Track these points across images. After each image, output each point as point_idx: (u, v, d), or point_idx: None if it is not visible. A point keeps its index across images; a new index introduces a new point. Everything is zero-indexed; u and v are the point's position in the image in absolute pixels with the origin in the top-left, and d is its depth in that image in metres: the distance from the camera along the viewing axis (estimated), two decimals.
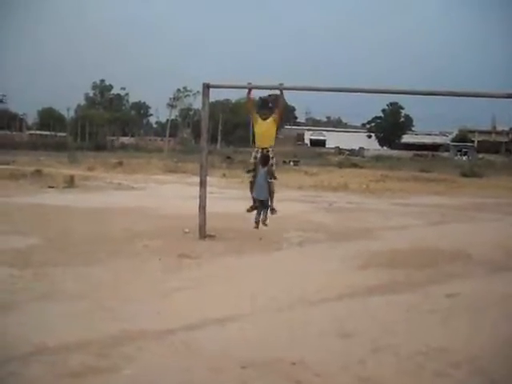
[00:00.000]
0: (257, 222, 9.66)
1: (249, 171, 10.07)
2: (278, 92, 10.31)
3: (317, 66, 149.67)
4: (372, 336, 5.00)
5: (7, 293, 6.01)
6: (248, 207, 9.87)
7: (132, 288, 6.39)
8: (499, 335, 5.19)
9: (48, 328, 4.95)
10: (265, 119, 9.78)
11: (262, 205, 9.64)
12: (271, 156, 9.77)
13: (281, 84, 10.18)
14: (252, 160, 9.89)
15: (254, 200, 9.76)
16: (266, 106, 10.12)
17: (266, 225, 9.58)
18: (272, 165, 9.75)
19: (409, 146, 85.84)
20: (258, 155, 9.74)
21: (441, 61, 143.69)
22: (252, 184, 9.85)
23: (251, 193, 9.89)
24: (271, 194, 9.87)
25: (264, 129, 9.77)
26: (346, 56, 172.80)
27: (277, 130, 10.37)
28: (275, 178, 9.94)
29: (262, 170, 9.57)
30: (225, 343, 4.73)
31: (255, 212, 9.76)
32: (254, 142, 10.18)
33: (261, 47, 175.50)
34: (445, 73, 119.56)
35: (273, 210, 9.99)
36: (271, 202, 9.94)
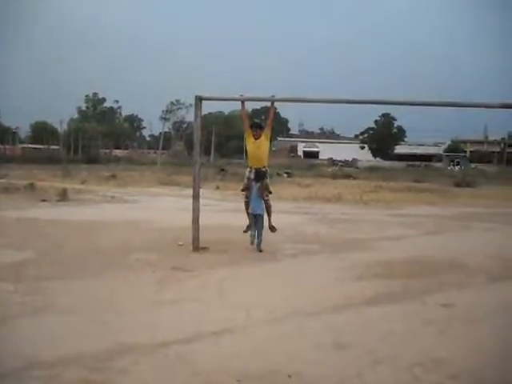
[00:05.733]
0: (252, 242, 9.56)
1: (243, 189, 10.07)
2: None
3: (311, 78, 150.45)
4: (369, 347, 4.96)
5: (0, 307, 5.95)
6: (244, 228, 9.86)
7: (126, 301, 6.34)
8: (497, 346, 5.17)
9: (42, 342, 4.89)
10: (257, 139, 9.80)
11: (256, 221, 9.56)
12: (265, 172, 9.79)
13: (272, 96, 10.24)
14: (245, 180, 9.91)
15: (250, 219, 9.71)
16: (258, 125, 10.10)
17: (260, 250, 9.43)
18: (267, 179, 9.76)
19: (402, 157, 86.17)
20: (252, 176, 9.76)
21: (436, 77, 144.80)
22: (247, 204, 9.86)
23: (247, 211, 9.87)
24: (268, 210, 9.85)
25: (256, 149, 9.79)
26: (341, 70, 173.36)
27: (270, 143, 10.39)
28: (270, 193, 9.94)
29: (255, 186, 9.57)
30: (220, 356, 4.68)
31: (250, 231, 9.70)
32: (247, 157, 10.19)
33: (256, 59, 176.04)
34: (439, 86, 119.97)
35: (272, 228, 9.96)
36: (269, 218, 9.92)
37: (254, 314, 5.88)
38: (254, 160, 9.87)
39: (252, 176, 9.75)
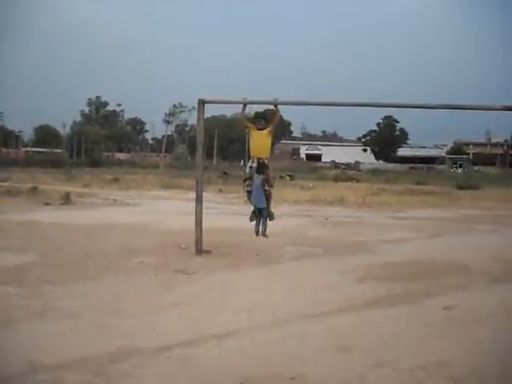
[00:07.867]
0: (256, 231, 9.64)
1: (245, 179, 10.03)
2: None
3: (313, 81, 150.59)
4: (371, 350, 4.96)
5: (3, 311, 5.96)
6: (250, 215, 9.84)
7: (128, 304, 6.35)
8: (499, 347, 5.16)
9: (44, 346, 4.90)
10: (260, 129, 9.75)
11: (260, 213, 9.60)
12: (267, 165, 9.75)
13: (276, 99, 10.23)
14: (247, 170, 9.87)
15: (254, 207, 9.73)
16: (262, 116, 10.15)
17: (266, 236, 9.52)
18: (269, 174, 9.73)
19: (404, 160, 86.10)
20: (254, 165, 9.72)
21: (439, 78, 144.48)
22: (249, 193, 9.83)
23: (249, 201, 9.86)
24: (269, 200, 9.84)
25: (260, 140, 9.74)
26: (344, 73, 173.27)
27: (272, 144, 10.34)
28: (272, 186, 9.92)
29: (257, 179, 9.55)
30: (222, 359, 4.69)
31: (255, 222, 9.74)
32: (249, 153, 10.14)
33: (257, 61, 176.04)
34: (441, 88, 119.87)
35: (270, 214, 9.92)
36: (269, 207, 9.90)
37: (256, 317, 5.89)
38: (256, 149, 9.79)
39: (254, 165, 9.72)
